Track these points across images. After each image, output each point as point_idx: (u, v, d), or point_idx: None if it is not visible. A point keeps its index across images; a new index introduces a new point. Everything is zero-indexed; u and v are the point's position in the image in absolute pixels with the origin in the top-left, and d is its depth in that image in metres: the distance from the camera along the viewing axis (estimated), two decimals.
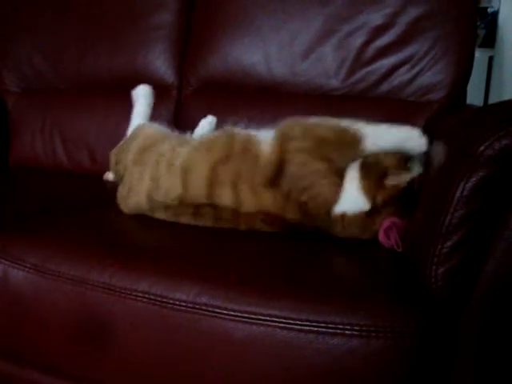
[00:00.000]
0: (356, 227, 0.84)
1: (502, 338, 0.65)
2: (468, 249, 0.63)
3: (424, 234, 0.69)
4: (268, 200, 0.86)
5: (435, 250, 0.63)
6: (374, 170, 0.83)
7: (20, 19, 1.56)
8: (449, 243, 0.63)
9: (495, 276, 0.64)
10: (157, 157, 0.96)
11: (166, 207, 0.92)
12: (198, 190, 0.89)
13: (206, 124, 1.18)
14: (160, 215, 0.94)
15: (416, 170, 0.84)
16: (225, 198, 0.87)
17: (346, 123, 0.87)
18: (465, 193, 0.61)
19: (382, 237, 0.83)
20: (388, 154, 0.84)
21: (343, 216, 0.84)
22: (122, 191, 1.00)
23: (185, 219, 0.91)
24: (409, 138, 0.85)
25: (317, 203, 0.84)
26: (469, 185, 0.61)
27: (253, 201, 0.86)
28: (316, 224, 0.86)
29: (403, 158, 0.84)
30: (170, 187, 0.91)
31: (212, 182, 0.88)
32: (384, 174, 0.82)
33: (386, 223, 0.83)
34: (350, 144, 0.85)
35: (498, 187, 0.62)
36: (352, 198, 0.84)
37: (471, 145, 0.61)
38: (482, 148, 0.60)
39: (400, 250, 0.79)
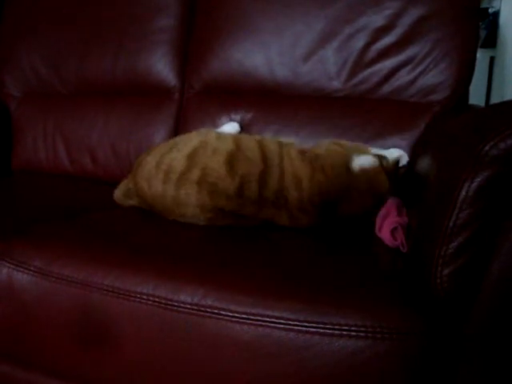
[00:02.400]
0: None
1: (509, 340, 0.65)
2: (473, 249, 0.63)
3: (428, 234, 0.68)
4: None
5: (440, 251, 0.63)
6: None
7: (22, 25, 1.57)
8: (454, 244, 0.63)
9: (501, 277, 0.64)
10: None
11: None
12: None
13: (230, 128, 1.21)
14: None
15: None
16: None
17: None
18: (470, 193, 0.61)
19: (387, 237, 0.83)
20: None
21: None
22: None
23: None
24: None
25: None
26: (473, 185, 0.61)
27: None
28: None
29: None
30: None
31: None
32: None
33: (392, 224, 0.83)
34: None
35: (503, 187, 0.61)
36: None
37: (475, 145, 0.61)
38: (486, 148, 0.60)
39: (405, 251, 0.79)
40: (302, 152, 0.98)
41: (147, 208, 1.02)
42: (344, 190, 0.91)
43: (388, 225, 0.85)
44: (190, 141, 0.97)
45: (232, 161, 0.90)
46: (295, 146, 0.99)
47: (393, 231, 0.83)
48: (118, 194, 1.10)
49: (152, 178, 0.94)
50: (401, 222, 0.84)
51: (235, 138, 0.97)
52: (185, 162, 0.91)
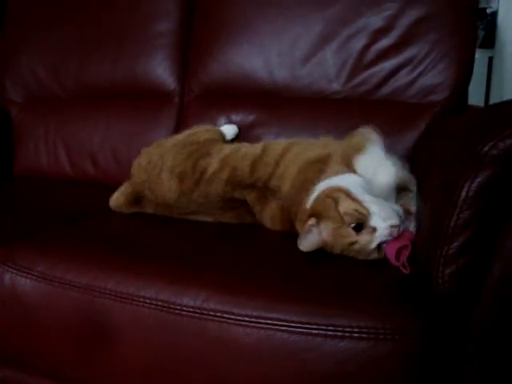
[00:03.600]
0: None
1: (510, 340, 0.65)
2: (475, 249, 0.63)
3: (430, 235, 0.69)
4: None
5: (442, 251, 0.63)
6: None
7: (22, 31, 1.57)
8: (455, 244, 0.63)
9: (502, 277, 0.64)
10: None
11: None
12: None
13: (228, 130, 1.24)
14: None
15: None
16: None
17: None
18: (470, 193, 0.61)
19: (391, 254, 0.76)
20: None
21: None
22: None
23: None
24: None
25: None
26: (474, 185, 0.61)
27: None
28: None
29: None
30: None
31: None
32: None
33: (403, 242, 0.76)
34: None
35: (503, 187, 0.62)
36: None
37: (475, 145, 0.61)
38: (486, 148, 0.60)
39: (407, 272, 0.73)
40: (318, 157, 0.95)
41: (159, 211, 1.04)
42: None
43: (396, 243, 0.77)
44: (221, 149, 1.04)
45: (255, 165, 0.97)
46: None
47: (400, 249, 0.75)
48: (121, 199, 1.09)
49: (186, 178, 1.00)
50: (409, 243, 0.76)
51: (264, 145, 1.03)
52: (218, 164, 0.99)
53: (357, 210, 0.78)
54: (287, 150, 0.98)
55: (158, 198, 1.03)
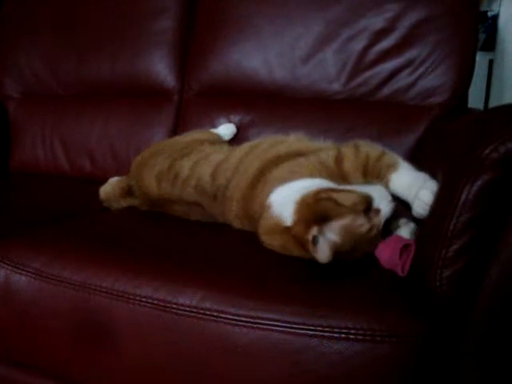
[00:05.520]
0: None
1: (509, 342, 0.65)
2: (473, 252, 0.63)
3: (429, 237, 0.68)
4: None
5: (440, 254, 0.63)
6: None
7: (21, 26, 1.57)
8: (454, 247, 0.62)
9: (500, 279, 0.64)
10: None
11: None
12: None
13: (226, 129, 1.25)
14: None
15: None
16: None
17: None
18: (470, 196, 0.61)
19: (389, 253, 0.74)
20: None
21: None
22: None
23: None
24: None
25: None
26: (474, 188, 0.61)
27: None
28: None
29: None
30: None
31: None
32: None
33: (405, 241, 0.74)
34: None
35: (503, 190, 0.62)
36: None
37: (476, 148, 0.61)
38: (486, 151, 0.60)
39: (403, 275, 0.71)
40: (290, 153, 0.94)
41: (146, 206, 1.06)
42: None
43: (397, 242, 0.74)
44: (199, 152, 1.05)
45: (215, 173, 0.97)
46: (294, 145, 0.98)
47: (403, 249, 0.72)
48: (114, 191, 1.12)
49: (163, 179, 1.02)
50: (410, 243, 0.73)
51: (231, 150, 1.04)
52: (188, 171, 1.00)
53: (361, 196, 0.77)
54: (255, 147, 0.99)
55: (144, 195, 1.05)
